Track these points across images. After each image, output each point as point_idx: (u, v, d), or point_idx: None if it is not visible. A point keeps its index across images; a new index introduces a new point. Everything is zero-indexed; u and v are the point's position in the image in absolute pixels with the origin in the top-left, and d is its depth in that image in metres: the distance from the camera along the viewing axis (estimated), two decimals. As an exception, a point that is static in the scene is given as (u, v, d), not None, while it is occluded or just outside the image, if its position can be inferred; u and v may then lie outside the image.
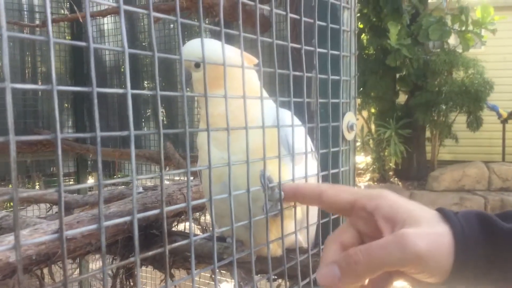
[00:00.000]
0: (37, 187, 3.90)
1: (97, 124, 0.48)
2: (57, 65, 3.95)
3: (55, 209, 1.85)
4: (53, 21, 3.20)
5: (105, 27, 3.72)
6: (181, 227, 1.70)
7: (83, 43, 0.49)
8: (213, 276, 1.38)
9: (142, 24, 3.71)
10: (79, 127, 3.87)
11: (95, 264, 3.30)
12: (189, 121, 3.52)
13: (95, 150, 3.39)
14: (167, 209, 0.58)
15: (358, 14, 7.55)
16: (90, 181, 4.68)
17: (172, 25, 3.53)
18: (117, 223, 0.49)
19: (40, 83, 3.89)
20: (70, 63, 3.81)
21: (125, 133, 0.52)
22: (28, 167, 3.85)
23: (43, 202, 1.85)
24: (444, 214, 0.58)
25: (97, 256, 1.57)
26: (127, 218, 0.53)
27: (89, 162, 4.07)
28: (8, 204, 4.15)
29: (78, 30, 3.74)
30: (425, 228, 0.56)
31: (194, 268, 0.61)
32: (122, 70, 4.00)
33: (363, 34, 7.93)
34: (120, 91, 0.52)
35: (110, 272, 1.36)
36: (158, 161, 3.04)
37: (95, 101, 0.48)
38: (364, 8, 7.61)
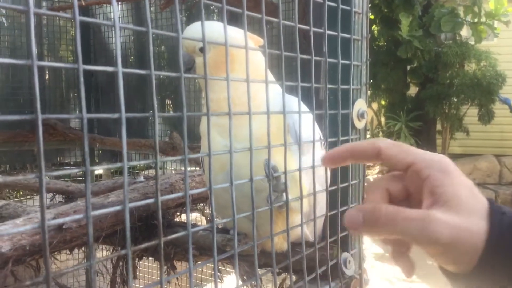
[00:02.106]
0: (46, 177, 3.89)
1: (83, 103, 0.44)
2: (64, 54, 3.93)
3: (58, 198, 1.82)
4: (60, 8, 3.17)
5: (112, 15, 3.68)
6: (185, 217, 1.66)
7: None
8: (219, 266, 1.35)
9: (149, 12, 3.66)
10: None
11: (102, 252, 3.27)
12: (195, 110, 3.49)
13: (102, 139, 3.37)
14: (162, 198, 0.54)
15: (369, 5, 7.43)
16: (98, 172, 4.66)
17: (180, 15, 3.49)
18: (107, 212, 0.45)
19: (47, 71, 3.88)
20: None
21: (116, 115, 0.48)
22: (35, 156, 3.84)
23: (46, 191, 1.81)
24: (492, 211, 0.55)
25: (102, 245, 1.53)
26: (118, 208, 0.49)
27: (96, 152, 4.05)
28: (17, 194, 4.15)
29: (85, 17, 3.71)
30: (461, 219, 0.54)
31: (192, 261, 0.57)
32: (130, 60, 3.98)
33: (374, 25, 7.83)
34: (110, 69, 0.48)
35: (110, 262, 1.33)
36: (164, 151, 3.01)
37: (81, 79, 0.44)
38: (375, -1, 7.51)
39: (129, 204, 0.50)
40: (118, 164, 0.50)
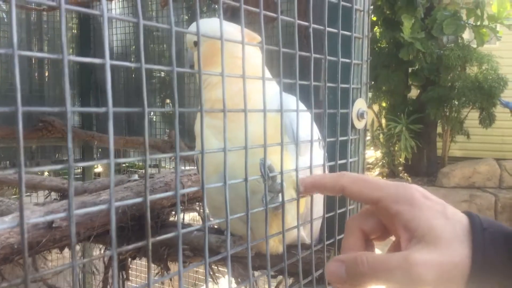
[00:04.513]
0: (46, 174, 3.88)
1: (67, 96, 0.42)
2: (64, 51, 3.91)
3: (53, 196, 1.80)
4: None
5: (113, 12, 3.67)
6: (184, 218, 1.64)
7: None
8: (214, 268, 1.33)
9: (150, 10, 3.67)
10: (85, 115, 3.84)
11: (96, 250, 3.25)
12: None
13: (100, 137, 3.35)
14: (152, 197, 0.52)
15: (371, 6, 7.42)
16: (98, 170, 4.64)
17: (182, 16, 3.50)
18: (90, 212, 0.43)
19: (47, 68, 3.86)
20: (76, 49, 3.78)
21: (102, 109, 0.46)
22: (33, 153, 3.82)
23: (42, 188, 1.80)
24: (473, 230, 0.54)
25: (97, 244, 1.51)
26: (103, 207, 0.47)
27: (95, 150, 4.03)
28: (15, 191, 4.13)
29: (84, 14, 3.70)
30: (441, 253, 0.53)
31: (182, 264, 0.55)
32: (132, 60, 3.97)
33: (376, 27, 7.81)
34: (98, 61, 0.46)
35: (102, 263, 1.31)
36: (163, 149, 2.99)
37: (66, 70, 0.42)
38: (378, 0, 7.49)
39: (116, 203, 0.48)
40: (105, 161, 0.47)
